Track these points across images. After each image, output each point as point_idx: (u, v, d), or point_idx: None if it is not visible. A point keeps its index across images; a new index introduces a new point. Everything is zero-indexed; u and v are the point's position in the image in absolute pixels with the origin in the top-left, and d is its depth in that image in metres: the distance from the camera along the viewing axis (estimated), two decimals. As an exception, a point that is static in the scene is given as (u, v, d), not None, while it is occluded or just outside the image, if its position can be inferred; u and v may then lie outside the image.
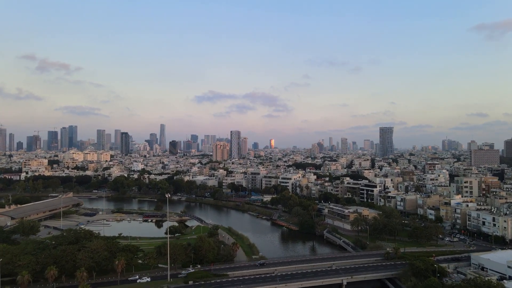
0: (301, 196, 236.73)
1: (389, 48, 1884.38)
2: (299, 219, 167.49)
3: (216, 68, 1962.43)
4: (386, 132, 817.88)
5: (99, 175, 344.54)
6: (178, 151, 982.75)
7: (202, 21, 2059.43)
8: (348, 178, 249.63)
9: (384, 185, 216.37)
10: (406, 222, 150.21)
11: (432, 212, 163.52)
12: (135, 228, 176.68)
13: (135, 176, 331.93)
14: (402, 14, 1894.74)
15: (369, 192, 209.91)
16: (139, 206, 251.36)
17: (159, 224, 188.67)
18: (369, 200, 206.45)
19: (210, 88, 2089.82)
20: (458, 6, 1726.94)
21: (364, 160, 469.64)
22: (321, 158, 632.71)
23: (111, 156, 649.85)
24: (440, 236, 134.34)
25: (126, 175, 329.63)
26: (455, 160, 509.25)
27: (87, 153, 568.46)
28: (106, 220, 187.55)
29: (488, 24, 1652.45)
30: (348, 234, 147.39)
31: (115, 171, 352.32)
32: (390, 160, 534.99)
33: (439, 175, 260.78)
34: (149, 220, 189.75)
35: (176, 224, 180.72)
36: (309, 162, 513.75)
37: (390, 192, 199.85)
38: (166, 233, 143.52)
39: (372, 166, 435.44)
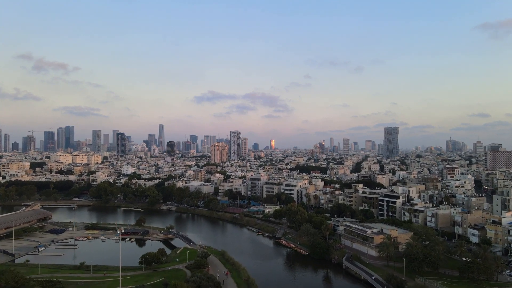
0: (308, 206, 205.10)
1: (391, 48, 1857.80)
2: (309, 239, 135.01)
3: (216, 68, 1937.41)
4: (391, 133, 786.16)
5: (83, 180, 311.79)
6: (177, 152, 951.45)
7: (201, 21, 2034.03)
8: (361, 186, 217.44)
9: (408, 195, 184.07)
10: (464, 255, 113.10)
11: (476, 232, 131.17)
12: (108, 249, 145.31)
13: (123, 181, 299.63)
14: (405, 13, 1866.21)
15: (390, 204, 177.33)
16: (124, 217, 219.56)
17: (140, 243, 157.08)
18: (390, 214, 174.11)
19: (210, 88, 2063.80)
20: (463, 4, 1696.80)
21: (373, 163, 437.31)
22: (324, 160, 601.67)
23: (105, 157, 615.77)
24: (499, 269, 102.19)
25: (111, 180, 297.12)
26: (467, 162, 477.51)
27: (76, 155, 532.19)
28: (75, 239, 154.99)
29: (493, 23, 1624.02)
30: (374, 263, 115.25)
31: (101, 176, 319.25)
32: (398, 162, 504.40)
33: (464, 182, 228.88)
34: (127, 239, 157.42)
35: (160, 243, 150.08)
36: (313, 164, 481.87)
37: (416, 204, 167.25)
38: (140, 263, 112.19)
39: (381, 169, 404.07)
